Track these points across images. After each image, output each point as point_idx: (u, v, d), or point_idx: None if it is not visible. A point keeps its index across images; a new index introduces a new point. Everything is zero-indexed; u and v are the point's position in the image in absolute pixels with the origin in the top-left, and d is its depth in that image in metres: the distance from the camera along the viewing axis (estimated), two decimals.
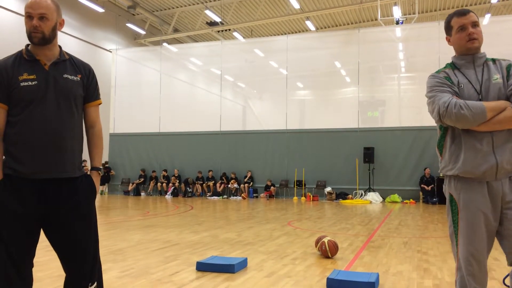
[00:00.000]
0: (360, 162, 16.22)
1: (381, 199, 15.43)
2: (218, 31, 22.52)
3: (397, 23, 18.65)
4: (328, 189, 16.30)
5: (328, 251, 5.20)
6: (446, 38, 2.52)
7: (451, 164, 2.38)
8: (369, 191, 15.77)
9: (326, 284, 3.92)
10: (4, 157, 2.22)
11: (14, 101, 2.19)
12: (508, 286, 2.76)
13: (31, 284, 2.24)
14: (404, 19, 19.11)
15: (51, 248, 2.30)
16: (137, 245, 6.09)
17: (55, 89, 2.24)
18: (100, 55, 19.84)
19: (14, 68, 2.22)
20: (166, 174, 18.49)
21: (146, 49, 21.41)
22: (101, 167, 2.47)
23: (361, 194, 15.83)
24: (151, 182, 18.60)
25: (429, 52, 16.11)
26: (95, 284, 2.33)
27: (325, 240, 5.28)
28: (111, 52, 20.39)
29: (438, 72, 2.47)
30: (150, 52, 20.88)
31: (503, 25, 15.78)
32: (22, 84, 2.18)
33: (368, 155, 15.95)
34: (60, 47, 2.37)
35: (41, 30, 2.22)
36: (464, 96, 2.34)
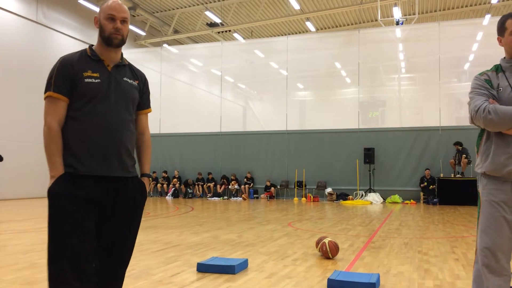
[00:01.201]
0: (360, 162, 16.23)
1: (381, 199, 15.42)
2: (218, 32, 22.51)
3: (397, 23, 18.65)
4: (329, 189, 16.30)
5: (329, 252, 5.20)
6: (498, 39, 2.52)
7: (481, 163, 2.46)
8: (370, 192, 15.77)
9: (327, 285, 3.92)
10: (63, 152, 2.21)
11: (76, 96, 2.22)
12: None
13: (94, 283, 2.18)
14: (404, 19, 19.10)
15: None
16: (138, 246, 6.08)
17: (116, 90, 2.29)
18: None
19: (80, 64, 2.26)
20: (166, 175, 18.50)
21: (146, 50, 21.42)
22: (150, 173, 2.49)
23: (362, 195, 15.83)
24: (152, 183, 18.62)
25: (429, 52, 16.14)
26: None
27: (326, 240, 5.27)
28: None
29: (481, 74, 2.51)
30: (151, 53, 20.89)
31: None
32: (86, 80, 2.22)
33: (369, 155, 15.95)
34: (122, 53, 2.42)
35: (122, 33, 2.30)
36: (502, 99, 2.36)
